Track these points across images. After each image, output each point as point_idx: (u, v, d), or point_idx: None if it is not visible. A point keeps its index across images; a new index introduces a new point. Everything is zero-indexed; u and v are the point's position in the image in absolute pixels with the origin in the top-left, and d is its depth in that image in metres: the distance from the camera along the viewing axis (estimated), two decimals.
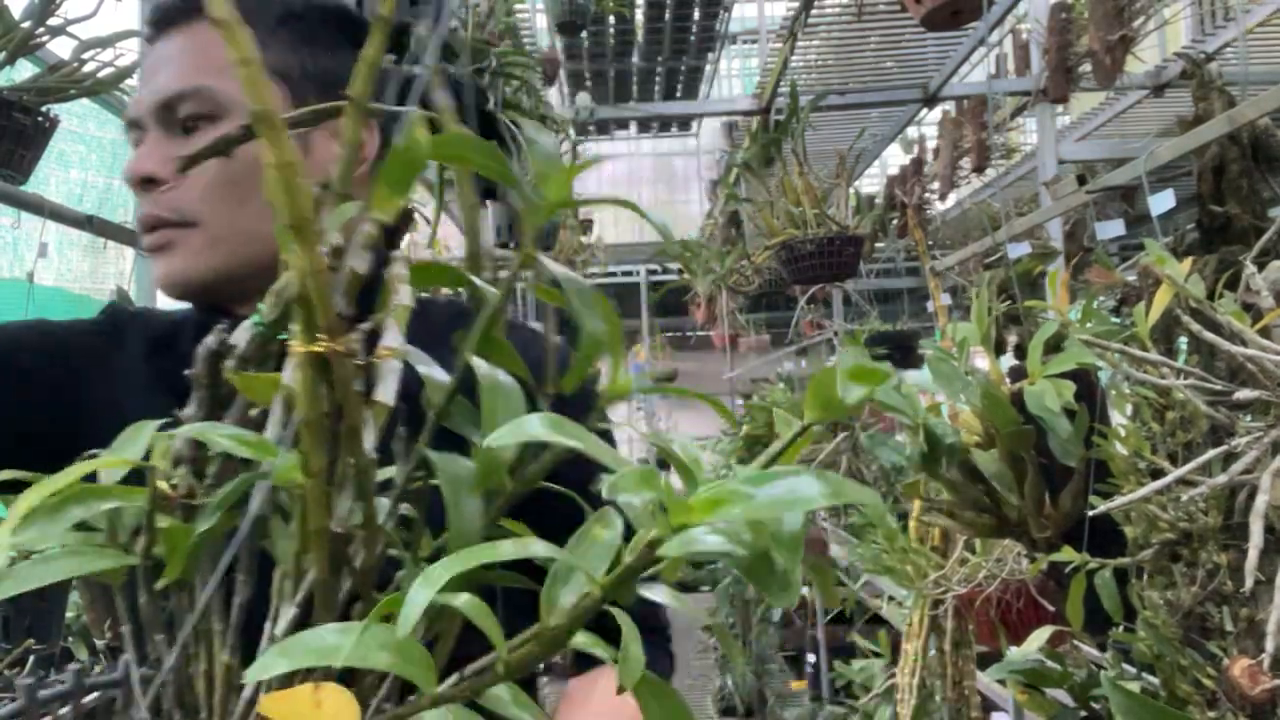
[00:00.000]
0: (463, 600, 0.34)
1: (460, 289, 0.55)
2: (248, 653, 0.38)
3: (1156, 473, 1.12)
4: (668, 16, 5.67)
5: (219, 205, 0.74)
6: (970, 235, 4.75)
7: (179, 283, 0.77)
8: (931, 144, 4.25)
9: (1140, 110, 4.27)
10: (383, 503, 0.41)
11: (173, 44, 0.77)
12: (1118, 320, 1.32)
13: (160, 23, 0.78)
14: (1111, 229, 1.62)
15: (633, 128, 9.68)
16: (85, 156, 2.98)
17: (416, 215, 2.47)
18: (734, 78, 8.92)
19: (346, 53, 0.79)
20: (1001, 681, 1.59)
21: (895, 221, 4.50)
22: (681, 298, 5.82)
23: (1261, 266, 1.08)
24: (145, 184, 0.75)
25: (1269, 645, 0.89)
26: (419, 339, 0.48)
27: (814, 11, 3.32)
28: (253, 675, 0.32)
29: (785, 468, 0.36)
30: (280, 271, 0.64)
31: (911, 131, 4.56)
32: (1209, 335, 0.99)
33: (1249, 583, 0.92)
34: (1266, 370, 0.95)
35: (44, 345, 0.80)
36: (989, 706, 2.20)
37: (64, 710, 0.71)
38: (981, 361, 1.47)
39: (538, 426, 0.36)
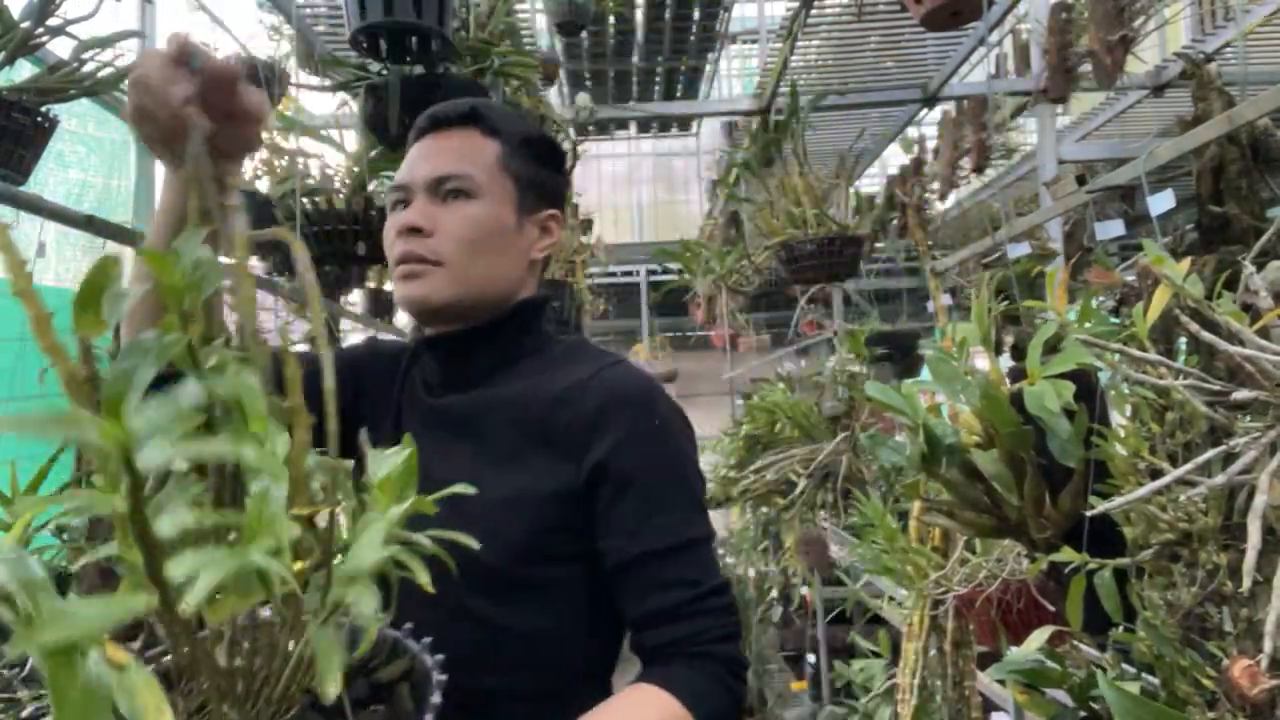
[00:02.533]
0: None
1: None
2: None
3: (1156, 473, 1.12)
4: (668, 16, 5.67)
5: (460, 255, 1.07)
6: (970, 235, 4.75)
7: (418, 302, 1.08)
8: (931, 144, 4.25)
9: (1140, 110, 4.27)
10: None
11: (449, 139, 1.12)
12: (1117, 320, 1.32)
13: (440, 122, 1.13)
14: (1111, 229, 1.62)
15: (633, 128, 9.68)
16: (85, 157, 2.98)
17: None
18: (734, 78, 8.91)
19: (556, 173, 1.19)
20: (1001, 682, 1.59)
21: (895, 221, 4.50)
22: (681, 298, 5.81)
23: (1260, 267, 1.08)
24: (412, 231, 1.07)
25: (1267, 645, 0.89)
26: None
27: (814, 11, 3.32)
28: None
29: None
30: (480, 310, 1.13)
31: (911, 131, 4.56)
32: (1207, 335, 0.99)
33: (1248, 583, 0.92)
34: (1265, 370, 0.95)
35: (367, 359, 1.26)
36: (989, 706, 2.20)
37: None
38: (981, 362, 1.47)
39: None
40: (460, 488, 0.70)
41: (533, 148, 1.15)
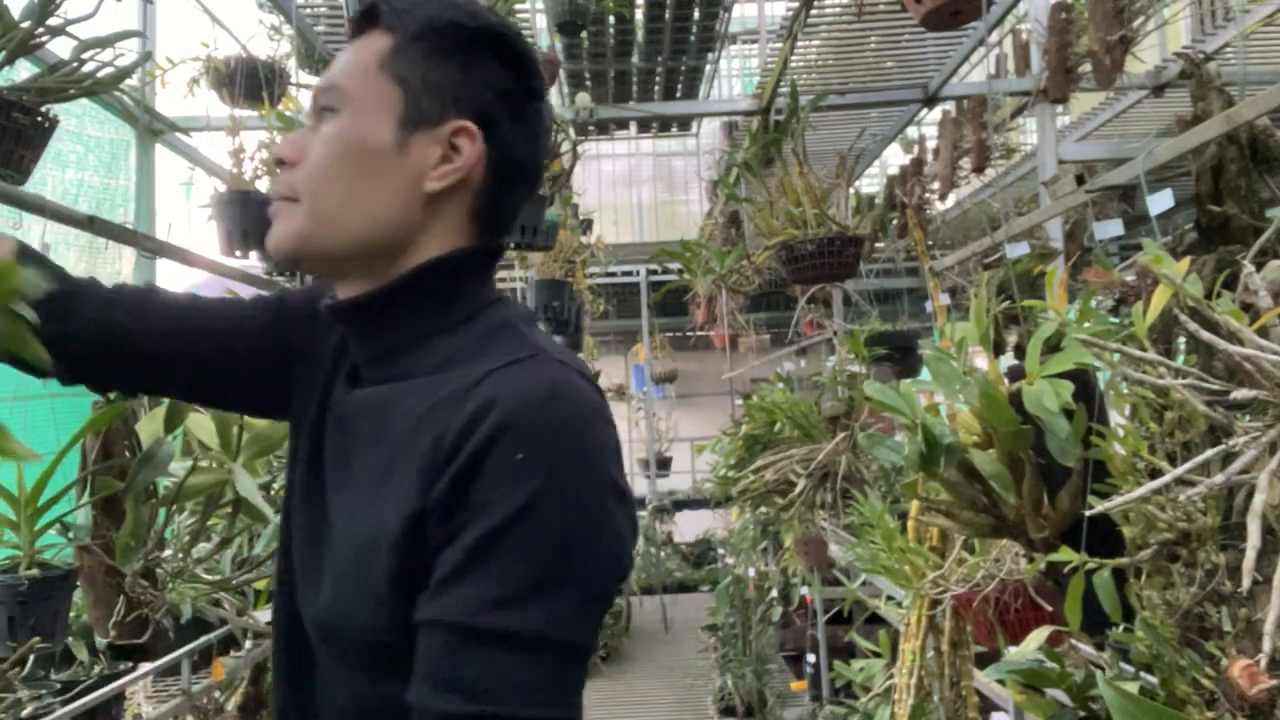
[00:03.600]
0: None
1: None
2: None
3: (1155, 473, 1.12)
4: (668, 16, 5.66)
5: (313, 186, 0.83)
6: (970, 235, 4.75)
7: (275, 249, 0.86)
8: (931, 144, 4.25)
9: (1140, 110, 4.27)
10: None
11: (352, 49, 0.88)
12: (1116, 320, 1.32)
13: (353, 29, 0.90)
14: (1110, 229, 1.62)
15: (633, 128, 9.67)
16: (83, 157, 2.98)
17: None
18: (734, 78, 8.91)
19: (483, 71, 0.85)
20: (1000, 681, 1.59)
21: (895, 221, 4.50)
22: (681, 298, 5.81)
23: (1259, 266, 1.08)
24: (279, 164, 0.86)
25: (1267, 645, 0.89)
26: None
27: (814, 11, 3.32)
28: None
29: None
30: (361, 263, 0.84)
31: (911, 131, 4.56)
32: (1207, 335, 0.99)
33: (1247, 583, 0.92)
34: (1264, 370, 0.95)
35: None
36: (987, 706, 2.20)
37: (64, 710, 0.71)
38: (980, 361, 1.48)
39: None
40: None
41: (434, 38, 0.84)
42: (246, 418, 1.44)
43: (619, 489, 0.76)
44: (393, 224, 0.83)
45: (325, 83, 0.85)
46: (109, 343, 0.94)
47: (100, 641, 1.70)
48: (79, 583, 1.48)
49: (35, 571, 1.40)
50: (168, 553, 1.51)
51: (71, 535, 1.45)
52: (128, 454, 1.43)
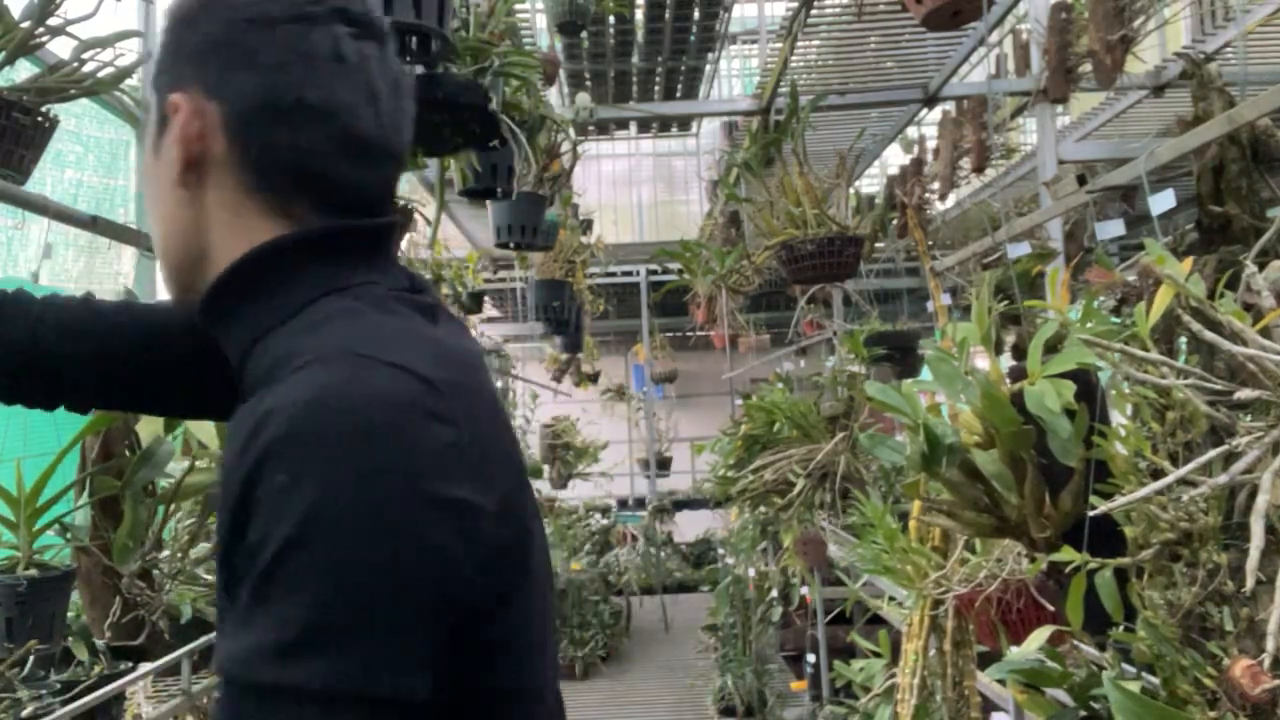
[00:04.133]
0: None
1: None
2: None
3: (1157, 473, 1.12)
4: (668, 16, 5.67)
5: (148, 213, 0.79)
6: (970, 235, 4.75)
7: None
8: (931, 144, 4.25)
9: (1140, 110, 4.27)
10: None
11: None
12: (1117, 320, 1.32)
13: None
14: (1111, 229, 1.62)
15: (633, 128, 9.67)
16: (82, 157, 2.98)
17: (417, 215, 2.48)
18: (734, 78, 8.91)
19: (187, 35, 0.77)
20: (1002, 681, 1.59)
21: (895, 221, 4.50)
22: (681, 298, 5.81)
23: (1262, 266, 1.08)
24: None
25: (1269, 645, 0.89)
26: None
27: (814, 11, 3.31)
28: None
29: None
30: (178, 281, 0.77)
31: (911, 131, 4.56)
32: (1209, 335, 0.99)
33: (1249, 583, 0.92)
34: (1267, 370, 0.95)
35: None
36: (989, 706, 2.20)
37: (64, 710, 0.71)
38: (981, 361, 1.48)
39: None
40: None
41: (162, 44, 0.78)
42: None
43: (439, 498, 0.62)
44: (172, 235, 0.76)
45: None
46: (36, 365, 0.88)
47: (100, 642, 1.70)
48: (76, 584, 1.48)
49: (34, 572, 1.40)
50: (165, 553, 1.51)
51: (70, 536, 1.45)
52: (128, 454, 1.43)
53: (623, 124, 8.82)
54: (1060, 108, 3.57)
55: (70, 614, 1.72)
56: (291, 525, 0.57)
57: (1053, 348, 1.34)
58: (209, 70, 0.73)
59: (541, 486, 7.97)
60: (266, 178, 0.72)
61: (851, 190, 3.14)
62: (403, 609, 0.59)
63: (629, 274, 8.92)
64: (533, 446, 7.76)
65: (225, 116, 0.72)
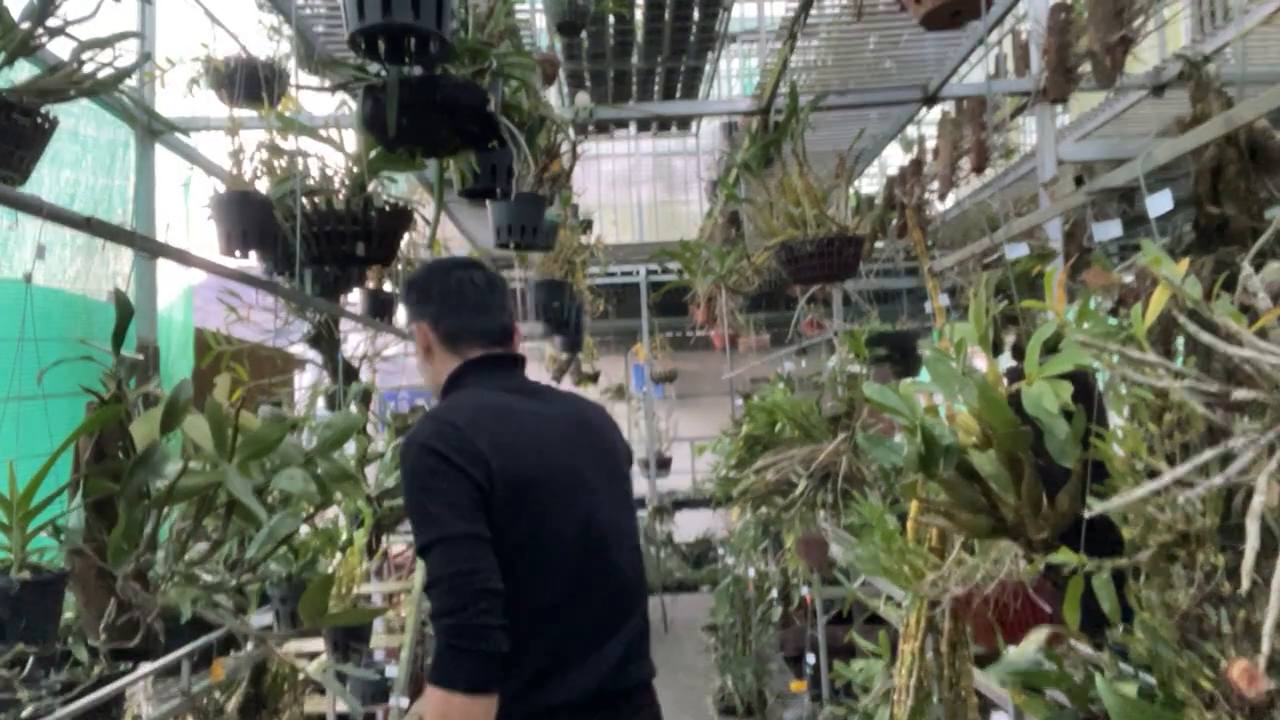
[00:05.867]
0: None
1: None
2: None
3: (1154, 474, 1.12)
4: (668, 16, 5.67)
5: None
6: (969, 235, 4.75)
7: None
8: (931, 144, 4.25)
9: (1139, 110, 4.27)
10: None
11: None
12: (1115, 321, 1.32)
13: None
14: (1110, 230, 1.62)
15: (632, 128, 9.67)
16: (80, 157, 2.97)
17: (416, 216, 2.47)
18: (734, 78, 8.91)
19: (410, 305, 1.78)
20: (1000, 682, 1.59)
21: (895, 221, 4.50)
22: (681, 298, 5.81)
23: (1258, 268, 1.08)
24: None
25: (1265, 647, 0.89)
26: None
27: (814, 12, 3.31)
28: None
29: None
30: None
31: (911, 131, 4.55)
32: (1206, 336, 0.99)
33: (1246, 584, 0.92)
34: (1263, 371, 0.95)
35: None
36: (987, 707, 2.20)
37: (63, 711, 0.71)
38: (979, 362, 1.47)
39: None
40: None
41: (405, 283, 1.83)
42: (241, 419, 1.45)
43: (429, 448, 1.49)
44: (429, 377, 1.77)
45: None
46: None
47: (97, 643, 1.70)
48: (71, 585, 1.48)
49: (26, 574, 1.40)
50: (160, 555, 1.51)
51: (64, 538, 1.45)
52: (121, 455, 1.43)
53: (622, 124, 8.82)
54: (1060, 108, 3.57)
55: (70, 615, 1.72)
56: (405, 474, 1.51)
57: (1051, 348, 1.34)
58: (418, 308, 1.74)
59: None
60: (447, 341, 1.71)
61: (851, 190, 3.14)
62: (430, 497, 1.44)
63: (629, 274, 8.92)
64: None
65: (431, 325, 1.72)
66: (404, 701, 3.68)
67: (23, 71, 2.03)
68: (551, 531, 1.51)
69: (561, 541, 1.52)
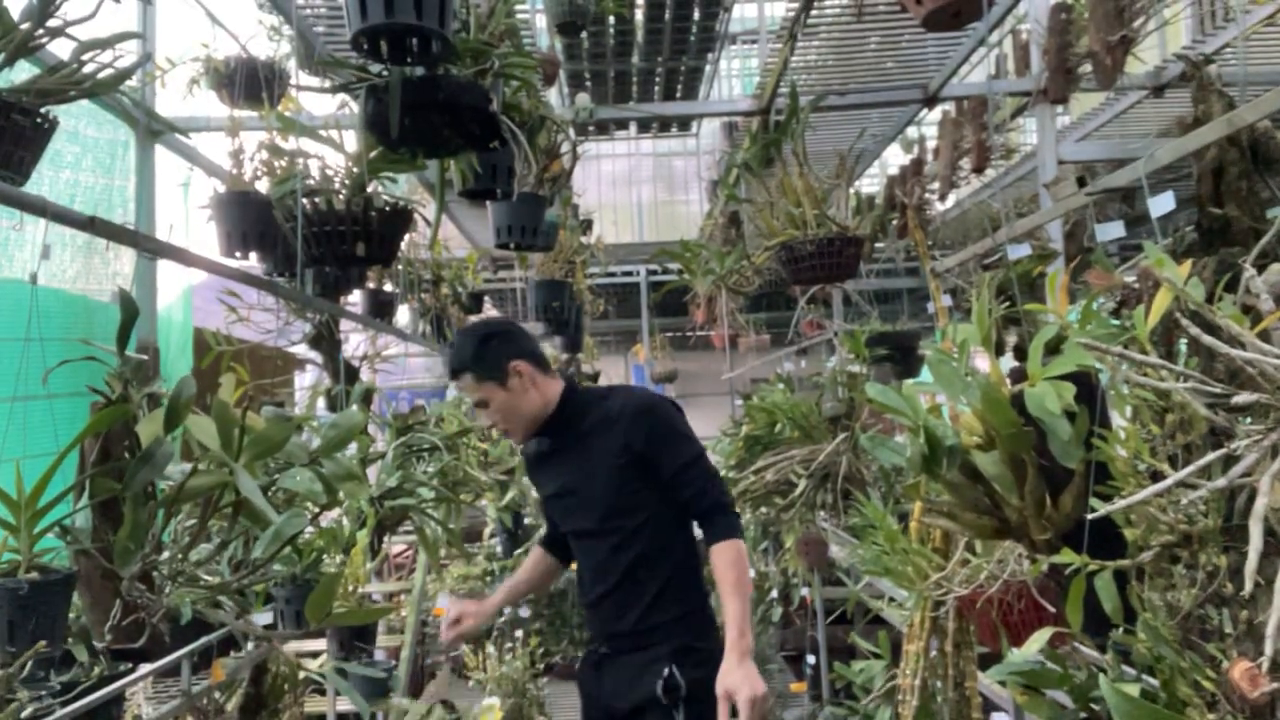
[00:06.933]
0: None
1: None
2: None
3: (1156, 475, 1.12)
4: (668, 16, 5.67)
5: (507, 422, 2.26)
6: (970, 236, 4.75)
7: (520, 441, 2.38)
8: (931, 144, 4.25)
9: (1140, 111, 4.27)
10: None
11: (460, 384, 2.29)
12: (1117, 322, 1.32)
13: (451, 377, 2.32)
14: (1111, 230, 1.62)
15: (633, 128, 9.68)
16: (80, 157, 2.97)
17: (416, 216, 2.47)
18: (734, 78, 8.91)
19: (488, 352, 2.22)
20: (1002, 683, 1.59)
21: (895, 222, 4.50)
22: (681, 298, 5.81)
23: (1261, 269, 1.08)
24: (492, 424, 2.32)
25: (1268, 648, 0.89)
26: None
27: (814, 12, 3.31)
28: None
29: None
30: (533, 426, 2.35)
31: (911, 131, 4.55)
32: (1208, 338, 0.99)
33: (1249, 585, 0.92)
34: (1266, 373, 0.95)
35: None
36: (990, 707, 2.20)
37: (63, 711, 0.71)
38: (982, 363, 1.47)
39: None
40: None
41: (483, 363, 2.21)
42: (247, 419, 1.45)
43: (668, 400, 2.32)
44: (535, 404, 2.23)
45: (474, 399, 2.25)
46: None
47: (100, 644, 1.70)
48: (77, 586, 1.48)
49: (35, 575, 1.40)
50: (165, 555, 1.51)
51: (70, 539, 1.45)
52: (127, 455, 1.43)
53: (623, 124, 8.83)
54: (1060, 108, 3.57)
55: (70, 615, 1.72)
56: (663, 423, 2.20)
57: (1053, 349, 1.34)
58: (516, 349, 2.21)
59: None
60: (541, 369, 2.24)
61: (851, 190, 3.14)
62: (685, 426, 2.27)
63: (629, 274, 8.92)
64: None
65: (525, 360, 2.21)
66: (405, 701, 3.68)
67: (23, 72, 2.03)
68: None
69: None
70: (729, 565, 2.00)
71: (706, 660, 1.99)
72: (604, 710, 2.19)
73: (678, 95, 7.07)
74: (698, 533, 2.17)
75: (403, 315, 5.17)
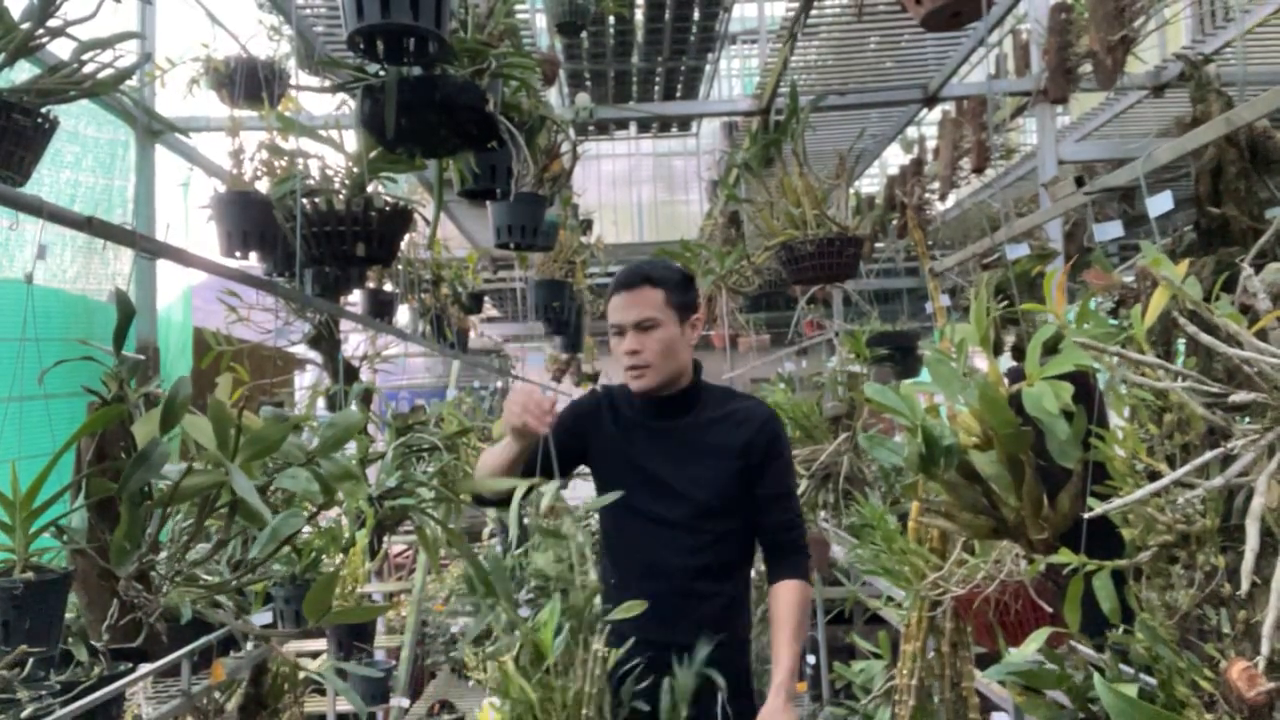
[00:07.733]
0: None
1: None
2: None
3: (1154, 475, 1.12)
4: (668, 16, 5.67)
5: (656, 360, 2.00)
6: (970, 236, 4.75)
7: (646, 389, 2.03)
8: (931, 144, 4.25)
9: (1140, 111, 4.27)
10: None
11: (635, 294, 2.02)
12: (1115, 322, 1.32)
13: (624, 286, 2.05)
14: (1110, 230, 1.62)
15: (633, 128, 9.67)
16: (80, 157, 2.97)
17: (416, 215, 2.47)
18: (734, 78, 8.91)
19: (688, 294, 2.07)
20: (1000, 682, 1.59)
21: (895, 222, 4.50)
22: None
23: (1258, 268, 1.08)
24: (633, 353, 2.00)
25: (1265, 648, 0.89)
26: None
27: (814, 12, 3.31)
28: None
29: None
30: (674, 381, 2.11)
31: (911, 131, 4.55)
32: (1206, 338, 0.99)
33: (1246, 585, 0.92)
34: (1263, 372, 0.95)
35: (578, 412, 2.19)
36: (988, 707, 2.20)
37: (63, 711, 0.71)
38: (980, 362, 1.47)
39: None
40: None
41: (675, 285, 2.04)
42: (244, 419, 1.44)
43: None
44: (685, 364, 2.06)
45: (639, 316, 2.00)
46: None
47: (97, 644, 1.70)
48: (74, 586, 1.48)
49: (30, 575, 1.39)
50: (162, 555, 1.51)
51: (66, 538, 1.45)
52: (123, 455, 1.43)
53: (623, 124, 8.82)
54: (1060, 108, 3.57)
55: (70, 615, 1.72)
56: (784, 444, 2.09)
57: (1051, 349, 1.34)
58: (690, 298, 2.08)
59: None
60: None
61: (851, 190, 3.14)
62: (791, 466, 2.18)
63: None
64: None
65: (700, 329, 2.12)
66: (404, 701, 3.68)
67: (23, 72, 2.03)
68: None
69: None
70: (797, 605, 1.97)
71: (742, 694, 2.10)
72: None
73: (678, 95, 7.07)
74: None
75: (402, 315, 5.18)
